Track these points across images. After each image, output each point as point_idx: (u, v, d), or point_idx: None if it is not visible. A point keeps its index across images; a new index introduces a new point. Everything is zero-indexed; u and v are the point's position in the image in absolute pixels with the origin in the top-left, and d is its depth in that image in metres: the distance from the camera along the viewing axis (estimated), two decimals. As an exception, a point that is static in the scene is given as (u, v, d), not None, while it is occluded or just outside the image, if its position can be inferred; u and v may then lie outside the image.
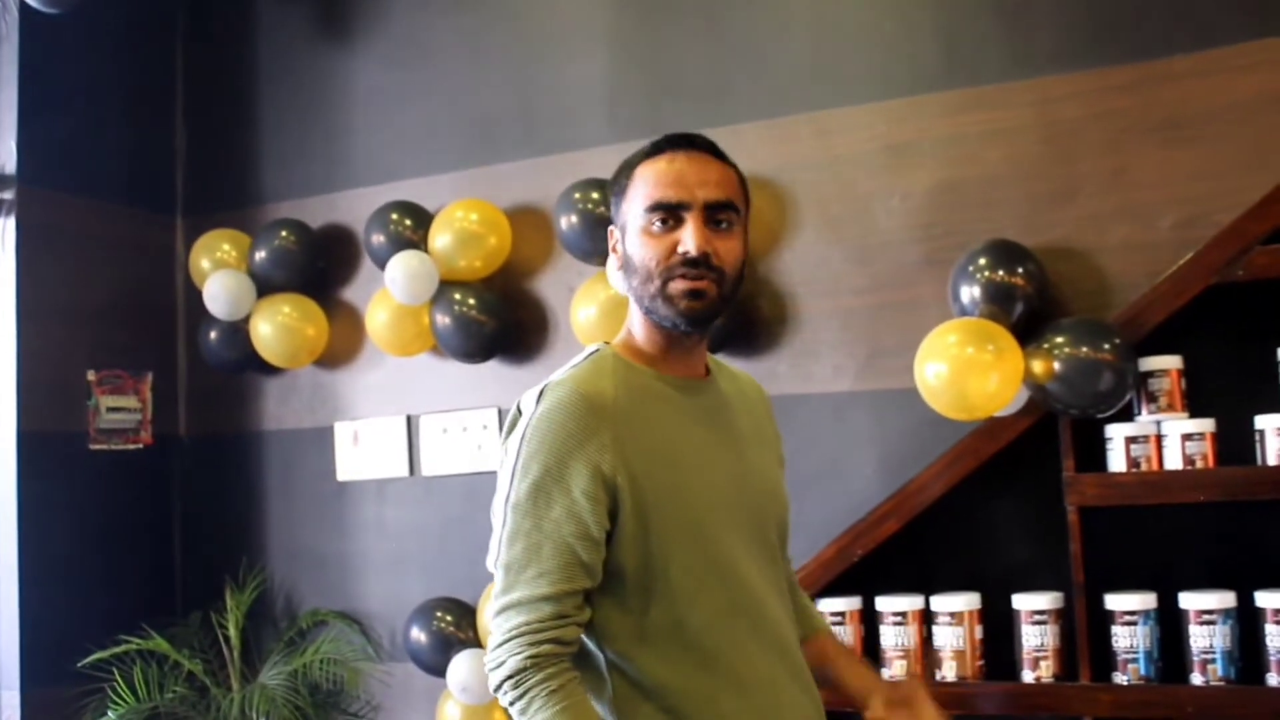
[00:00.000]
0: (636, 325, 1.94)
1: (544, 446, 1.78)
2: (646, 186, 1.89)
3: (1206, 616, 2.78)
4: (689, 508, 1.82)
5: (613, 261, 1.98)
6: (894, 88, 3.36)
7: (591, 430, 1.78)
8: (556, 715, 1.71)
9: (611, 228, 1.99)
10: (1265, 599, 2.74)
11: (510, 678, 1.74)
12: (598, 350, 1.93)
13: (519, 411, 1.87)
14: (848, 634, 3.07)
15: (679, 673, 1.80)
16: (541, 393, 1.84)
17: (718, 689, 1.81)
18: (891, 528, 3.05)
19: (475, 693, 3.51)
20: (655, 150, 1.93)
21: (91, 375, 4.18)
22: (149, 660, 3.90)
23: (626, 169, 1.96)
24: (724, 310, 1.91)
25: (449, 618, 3.68)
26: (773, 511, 1.99)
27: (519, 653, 1.74)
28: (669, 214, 1.86)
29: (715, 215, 1.87)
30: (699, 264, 1.83)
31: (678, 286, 1.84)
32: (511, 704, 1.75)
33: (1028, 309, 2.99)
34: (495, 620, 1.79)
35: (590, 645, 1.83)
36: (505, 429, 1.90)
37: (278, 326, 4.03)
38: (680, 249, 1.84)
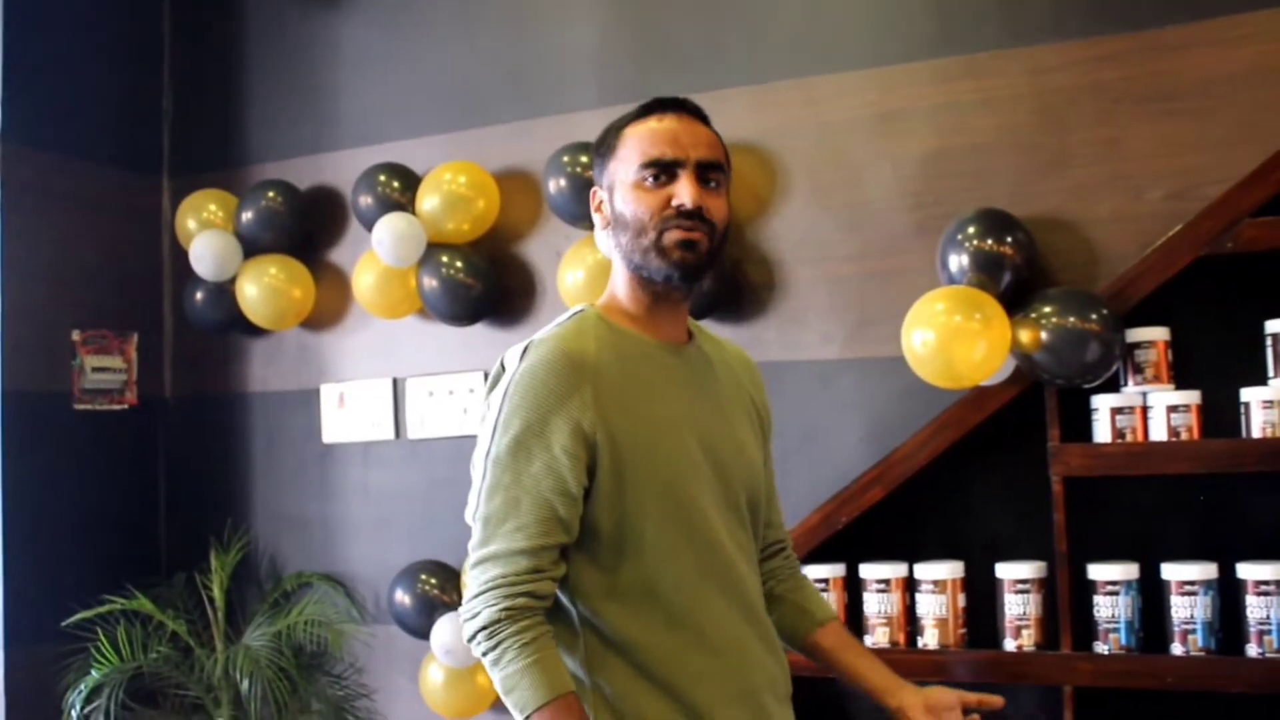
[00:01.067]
0: (621, 286, 1.97)
1: (526, 403, 1.81)
2: (640, 144, 1.92)
3: (1188, 587, 2.79)
4: (664, 468, 1.85)
5: (597, 221, 2.00)
6: (886, 55, 3.34)
7: (573, 388, 1.81)
8: (528, 667, 1.75)
9: (595, 189, 2.01)
10: (1246, 570, 2.76)
11: (484, 629, 1.78)
12: (581, 311, 1.95)
13: (502, 368, 1.90)
14: (832, 600, 3.07)
15: (649, 630, 1.83)
16: (525, 350, 1.87)
17: (686, 647, 1.85)
18: (876, 495, 3.05)
19: (459, 655, 3.52)
20: (646, 111, 1.97)
21: (76, 335, 4.16)
22: (133, 620, 3.89)
23: (614, 130, 1.99)
24: (712, 266, 1.94)
25: (433, 580, 3.69)
26: (743, 477, 2.00)
27: (494, 604, 1.77)
28: (663, 170, 1.89)
29: (706, 174, 1.92)
30: (693, 215, 1.87)
31: (672, 237, 1.87)
32: (484, 654, 1.79)
33: (1016, 278, 2.99)
34: (472, 572, 1.82)
35: (564, 600, 1.87)
36: (489, 384, 1.92)
37: (264, 288, 4.01)
38: (675, 202, 1.88)
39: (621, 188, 1.93)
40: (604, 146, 1.99)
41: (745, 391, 2.11)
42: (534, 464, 1.79)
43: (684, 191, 1.87)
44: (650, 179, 1.90)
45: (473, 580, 1.82)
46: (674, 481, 1.85)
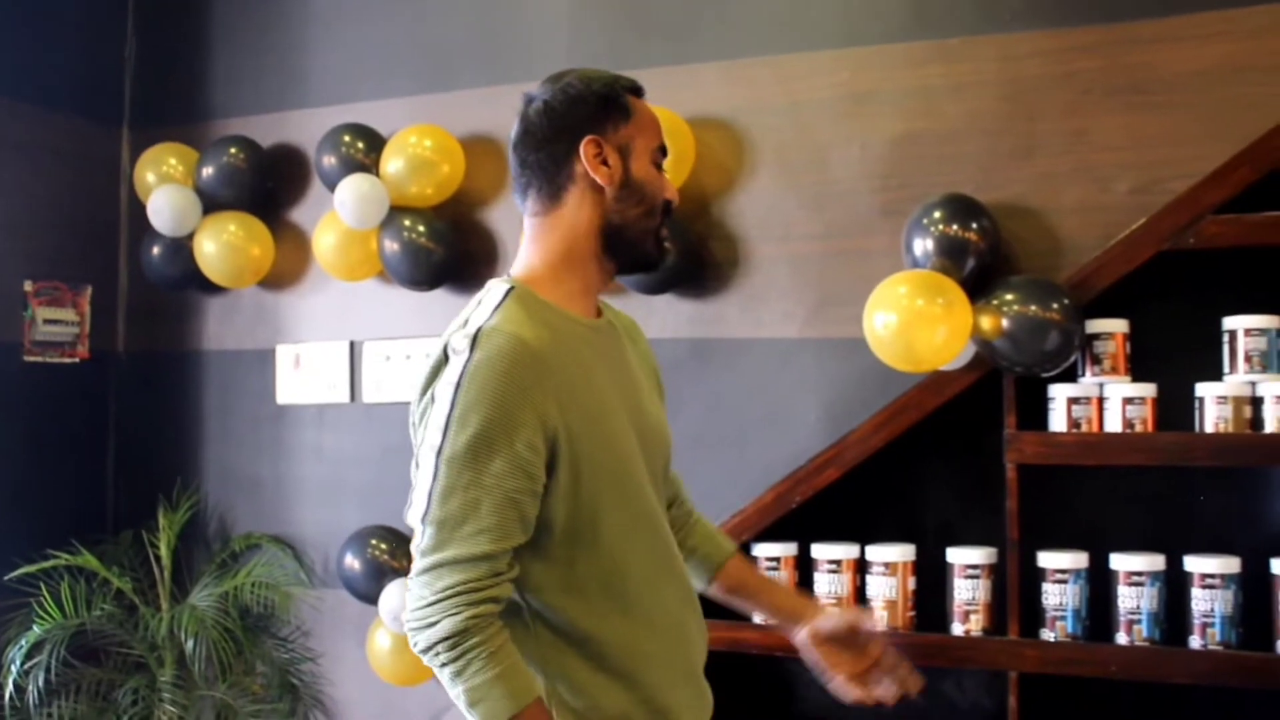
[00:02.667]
0: (567, 254, 1.89)
1: (486, 397, 1.70)
2: (653, 126, 1.91)
3: (1135, 578, 2.81)
4: (614, 457, 1.82)
5: (598, 175, 1.87)
6: (859, 35, 3.33)
7: (536, 380, 1.72)
8: (497, 677, 1.69)
9: (595, 138, 1.87)
10: (1193, 563, 2.78)
11: (446, 639, 1.69)
12: (511, 289, 1.84)
13: (445, 357, 1.78)
14: (783, 579, 3.07)
15: (605, 620, 1.80)
16: (475, 339, 1.74)
17: (638, 632, 1.83)
18: (831, 476, 3.05)
19: (407, 622, 3.50)
20: (636, 91, 1.94)
21: (29, 285, 4.10)
22: (77, 577, 3.85)
23: (619, 90, 1.91)
24: None
25: (383, 546, 3.66)
26: (660, 448, 1.99)
27: (456, 613, 1.69)
28: (664, 159, 1.92)
29: None
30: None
31: (664, 231, 1.91)
32: (444, 665, 1.71)
33: (979, 265, 2.99)
34: (422, 577, 1.72)
35: (514, 596, 1.80)
36: (428, 373, 1.81)
37: (222, 245, 3.96)
38: (669, 195, 1.90)
39: (642, 157, 1.88)
40: (614, 103, 1.88)
41: (646, 359, 2.09)
42: (495, 462, 1.69)
43: (672, 188, 1.90)
44: (661, 164, 1.90)
45: (423, 586, 1.72)
46: (621, 469, 1.83)
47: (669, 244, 1.96)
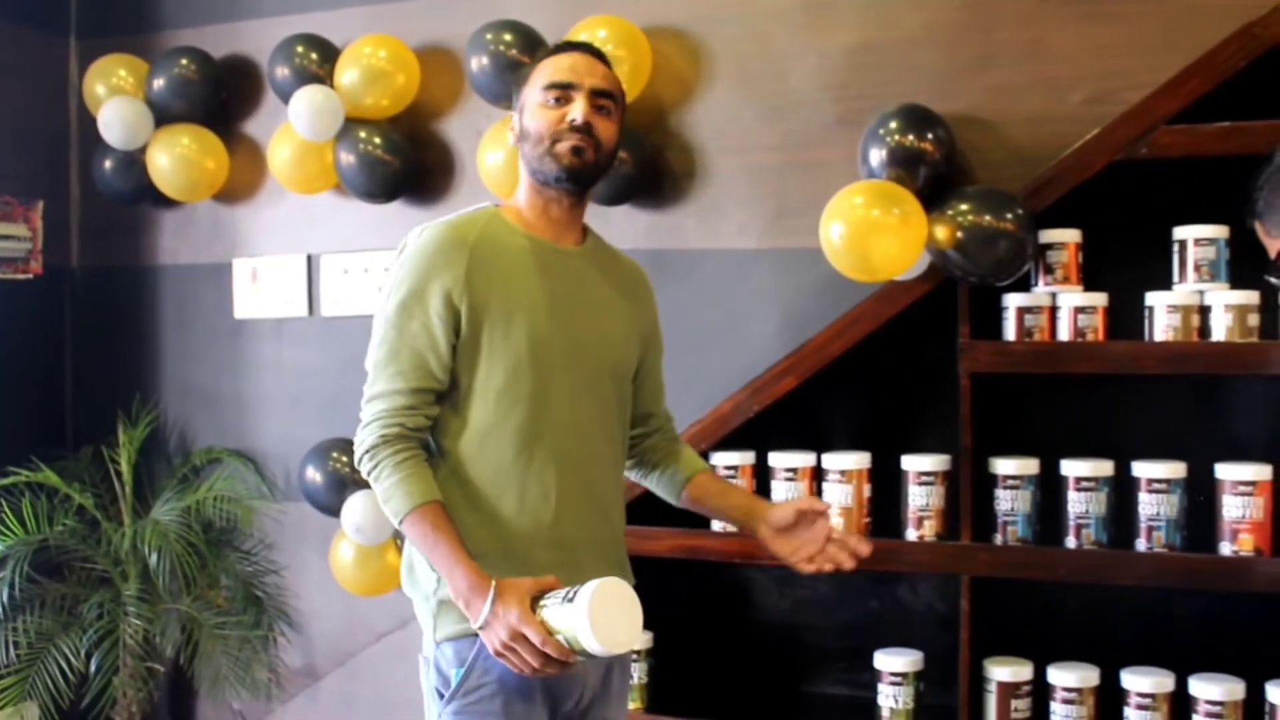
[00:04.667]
0: (522, 191, 2.30)
1: (412, 272, 2.17)
2: (545, 72, 2.26)
3: (1085, 484, 2.87)
4: (520, 340, 2.17)
5: (510, 139, 2.33)
6: (817, -57, 3.30)
7: (448, 263, 2.16)
8: (401, 480, 2.11)
9: (511, 113, 2.33)
10: (1141, 469, 2.84)
11: (367, 451, 2.15)
12: (483, 207, 2.29)
13: (405, 244, 2.25)
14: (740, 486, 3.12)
15: (481, 472, 2.18)
16: (422, 231, 2.22)
17: (508, 488, 2.17)
18: (788, 385, 3.09)
19: (369, 533, 3.52)
20: (554, 51, 2.31)
21: (-22, 200, 4.05)
22: (38, 493, 3.86)
23: (529, 66, 2.32)
24: (598, 178, 2.28)
25: (344, 458, 3.67)
26: (607, 366, 2.30)
27: (374, 433, 2.15)
28: (562, 92, 2.23)
29: (599, 101, 2.24)
30: (583, 130, 2.20)
31: (563, 145, 2.20)
32: (368, 474, 2.16)
33: (934, 175, 3.00)
34: (363, 409, 2.19)
35: (430, 437, 2.22)
36: (395, 257, 2.26)
37: (176, 158, 3.91)
38: (569, 118, 2.21)
39: (528, 107, 2.26)
40: (518, 79, 2.33)
41: (635, 302, 2.39)
42: (414, 322, 2.16)
43: (577, 110, 2.21)
44: (551, 99, 2.22)
45: (363, 415, 2.18)
46: (527, 353, 2.16)
47: (576, 158, 2.20)
